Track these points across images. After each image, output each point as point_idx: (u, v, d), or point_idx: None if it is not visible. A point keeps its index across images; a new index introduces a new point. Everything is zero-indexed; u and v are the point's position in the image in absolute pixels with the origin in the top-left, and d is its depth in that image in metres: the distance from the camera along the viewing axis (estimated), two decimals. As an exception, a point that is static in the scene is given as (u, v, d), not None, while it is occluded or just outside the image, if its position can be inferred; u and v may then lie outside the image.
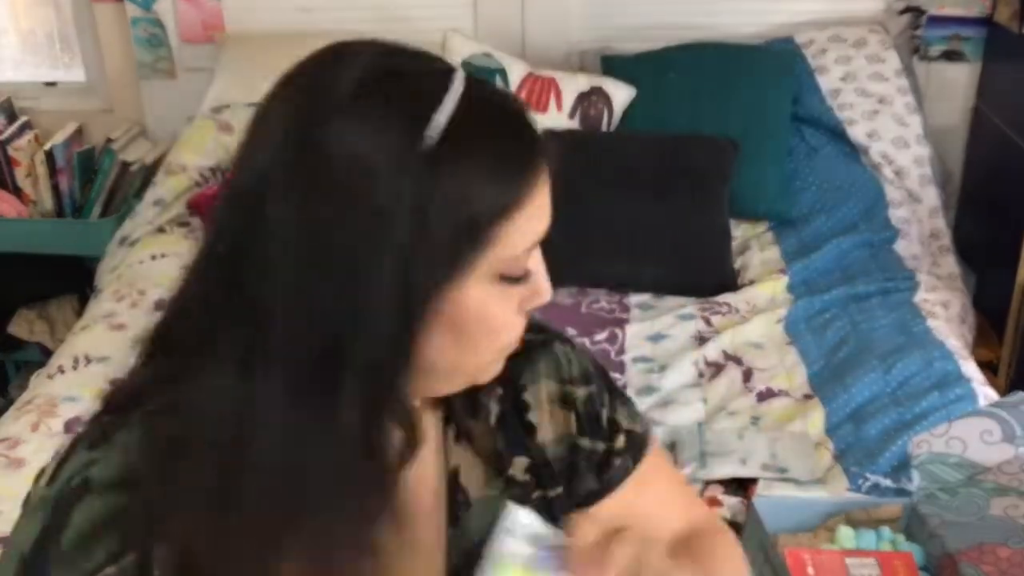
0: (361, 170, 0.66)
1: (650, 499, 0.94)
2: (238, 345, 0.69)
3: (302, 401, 0.68)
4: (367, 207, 0.66)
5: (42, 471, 0.77)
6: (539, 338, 0.90)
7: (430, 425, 0.83)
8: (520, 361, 0.86)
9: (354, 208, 0.66)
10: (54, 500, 0.75)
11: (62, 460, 0.76)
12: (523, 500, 0.84)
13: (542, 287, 0.76)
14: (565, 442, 0.89)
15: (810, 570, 1.33)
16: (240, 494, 0.70)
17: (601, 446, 0.91)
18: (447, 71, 0.71)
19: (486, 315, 0.73)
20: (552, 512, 0.86)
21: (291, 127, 0.68)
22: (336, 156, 0.66)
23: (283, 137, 0.68)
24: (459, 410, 0.85)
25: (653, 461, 0.95)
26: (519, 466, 0.87)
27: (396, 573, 0.80)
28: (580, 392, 0.90)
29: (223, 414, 0.69)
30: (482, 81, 0.73)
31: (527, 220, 0.71)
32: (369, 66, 0.70)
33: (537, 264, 0.75)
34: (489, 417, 0.86)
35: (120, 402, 0.78)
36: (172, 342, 0.76)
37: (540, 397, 0.89)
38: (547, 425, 0.89)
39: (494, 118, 0.71)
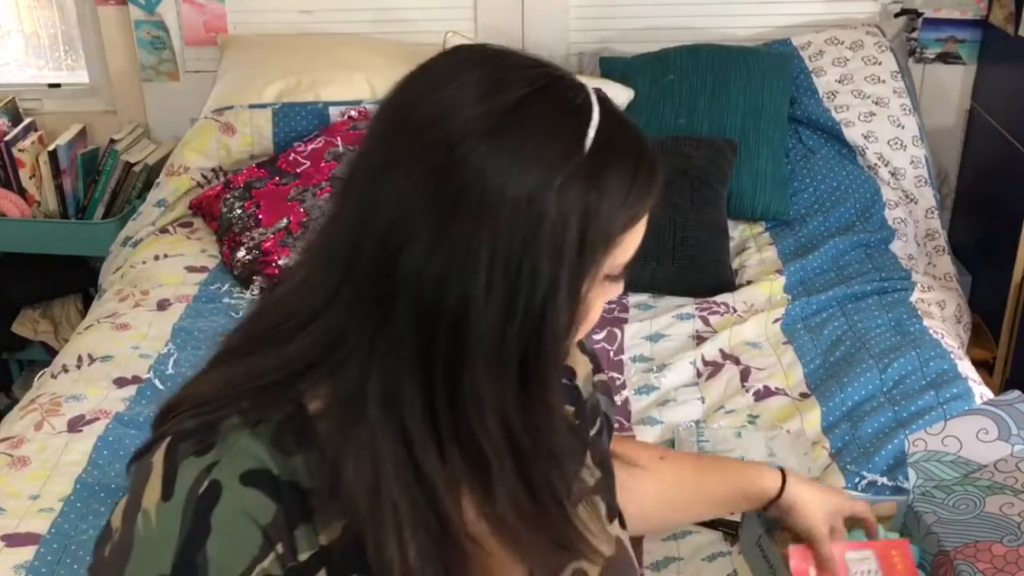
0: (522, 193, 0.69)
1: None
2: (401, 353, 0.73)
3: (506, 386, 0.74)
4: (535, 225, 0.69)
5: (127, 510, 0.75)
6: None
7: None
8: None
9: (519, 223, 0.69)
10: (186, 511, 0.72)
11: (169, 477, 0.73)
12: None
13: (621, 282, 0.81)
14: (589, 381, 0.99)
15: (810, 568, 1.34)
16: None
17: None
18: (578, 84, 0.77)
19: (594, 310, 0.79)
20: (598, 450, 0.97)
21: (434, 163, 0.70)
22: (487, 182, 0.69)
23: (426, 172, 0.70)
24: None
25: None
26: (567, 415, 0.92)
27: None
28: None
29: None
30: (598, 91, 0.78)
31: (641, 226, 0.77)
32: (508, 84, 0.73)
33: None
34: None
35: (203, 408, 0.76)
36: (259, 348, 0.78)
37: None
38: (580, 365, 0.97)
39: (629, 135, 0.76)
